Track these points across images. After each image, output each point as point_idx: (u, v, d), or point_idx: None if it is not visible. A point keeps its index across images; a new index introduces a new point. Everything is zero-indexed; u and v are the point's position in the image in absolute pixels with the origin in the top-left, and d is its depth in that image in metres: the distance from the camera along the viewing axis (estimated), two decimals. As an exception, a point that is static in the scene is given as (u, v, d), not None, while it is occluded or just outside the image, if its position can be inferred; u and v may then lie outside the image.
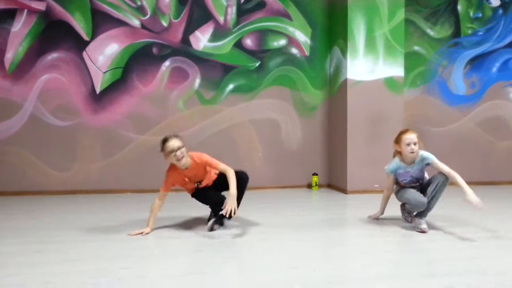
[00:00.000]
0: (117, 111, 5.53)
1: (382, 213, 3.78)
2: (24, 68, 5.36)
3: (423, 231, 3.34)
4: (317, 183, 5.80)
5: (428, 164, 3.46)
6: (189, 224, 3.65)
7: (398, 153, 3.52)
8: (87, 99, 5.48)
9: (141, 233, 3.32)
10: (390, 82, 5.39)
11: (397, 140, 3.47)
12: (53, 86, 5.41)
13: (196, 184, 3.51)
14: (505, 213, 4.15)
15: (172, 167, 3.42)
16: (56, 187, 5.43)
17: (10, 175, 5.35)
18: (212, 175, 3.57)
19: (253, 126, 5.81)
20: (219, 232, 3.40)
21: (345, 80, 5.37)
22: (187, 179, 3.46)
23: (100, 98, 5.50)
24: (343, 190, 5.43)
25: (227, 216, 3.16)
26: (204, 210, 3.90)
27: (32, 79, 5.37)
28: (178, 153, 3.28)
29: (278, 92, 5.83)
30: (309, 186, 5.89)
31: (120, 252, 2.88)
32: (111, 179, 5.52)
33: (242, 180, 3.43)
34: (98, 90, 5.49)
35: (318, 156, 5.97)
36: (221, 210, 3.28)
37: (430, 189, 3.36)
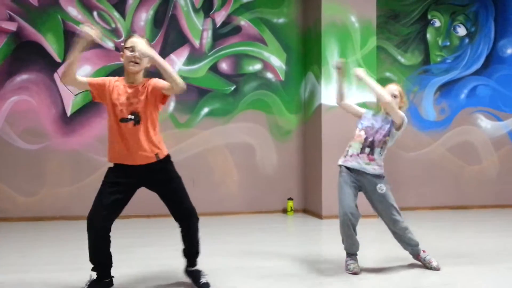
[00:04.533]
0: (89, 134, 5.39)
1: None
2: (-9, 89, 5.19)
3: (355, 273, 3.02)
4: (292, 208, 5.76)
5: (392, 121, 3.31)
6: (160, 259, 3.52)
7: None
8: (58, 121, 5.34)
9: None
10: (363, 108, 5.45)
11: None
12: (22, 108, 5.25)
13: (131, 118, 2.59)
14: (476, 237, 4.21)
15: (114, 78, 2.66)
16: (22, 213, 5.20)
17: (-27, 201, 5.10)
18: (154, 138, 2.80)
19: (228, 150, 5.76)
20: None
21: (320, 105, 5.42)
22: (123, 98, 2.58)
23: (71, 121, 5.37)
24: (318, 215, 5.41)
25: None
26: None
27: (0, 101, 5.20)
28: (139, 54, 2.50)
29: (253, 116, 5.83)
30: (284, 211, 5.85)
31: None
32: (80, 205, 5.32)
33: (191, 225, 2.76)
34: (69, 113, 5.36)
35: (294, 181, 5.95)
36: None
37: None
